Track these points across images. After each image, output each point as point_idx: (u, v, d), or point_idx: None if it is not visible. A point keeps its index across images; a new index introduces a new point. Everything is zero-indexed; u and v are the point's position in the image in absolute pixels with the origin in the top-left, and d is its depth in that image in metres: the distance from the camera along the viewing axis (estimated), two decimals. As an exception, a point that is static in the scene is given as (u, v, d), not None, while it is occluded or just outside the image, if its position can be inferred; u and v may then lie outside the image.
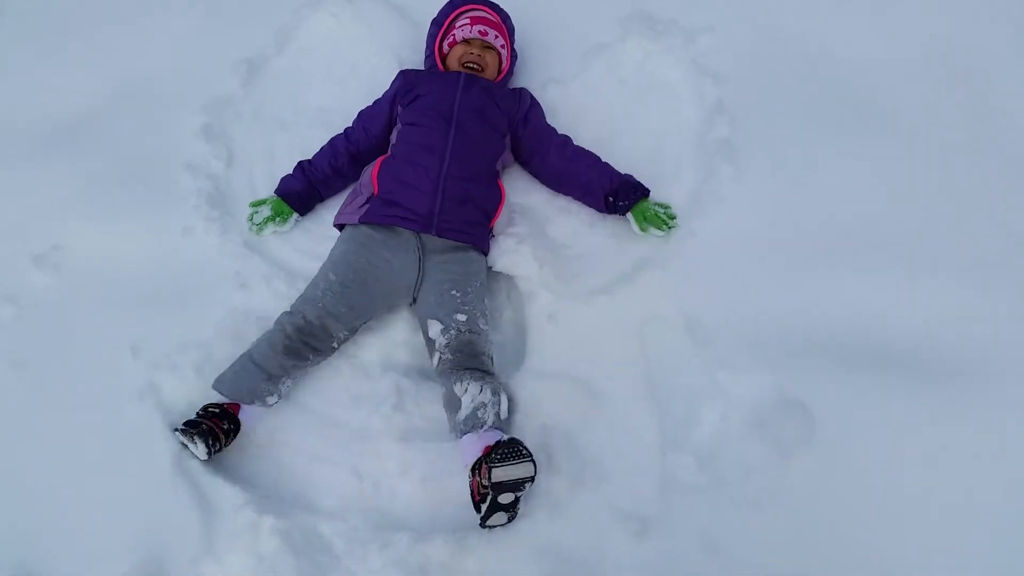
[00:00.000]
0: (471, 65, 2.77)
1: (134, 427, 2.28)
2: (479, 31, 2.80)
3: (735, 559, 2.03)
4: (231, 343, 2.41)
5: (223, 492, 2.18)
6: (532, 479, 2.00)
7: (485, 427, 2.14)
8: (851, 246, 2.49)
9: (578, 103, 2.89)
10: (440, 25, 2.88)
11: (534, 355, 2.42)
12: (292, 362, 2.29)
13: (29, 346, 2.47)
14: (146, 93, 3.06)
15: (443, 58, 2.87)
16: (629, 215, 2.60)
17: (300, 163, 2.77)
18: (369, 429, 2.31)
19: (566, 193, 2.74)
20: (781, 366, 2.26)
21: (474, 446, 2.12)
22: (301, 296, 2.41)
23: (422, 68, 2.96)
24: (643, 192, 2.62)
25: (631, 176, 2.65)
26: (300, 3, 3.21)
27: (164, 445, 2.24)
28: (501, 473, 1.96)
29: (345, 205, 2.60)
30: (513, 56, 2.93)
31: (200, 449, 2.16)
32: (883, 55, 2.91)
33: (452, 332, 2.33)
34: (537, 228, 2.63)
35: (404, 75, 2.81)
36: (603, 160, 2.68)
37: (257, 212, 2.71)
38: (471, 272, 2.46)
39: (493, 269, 2.56)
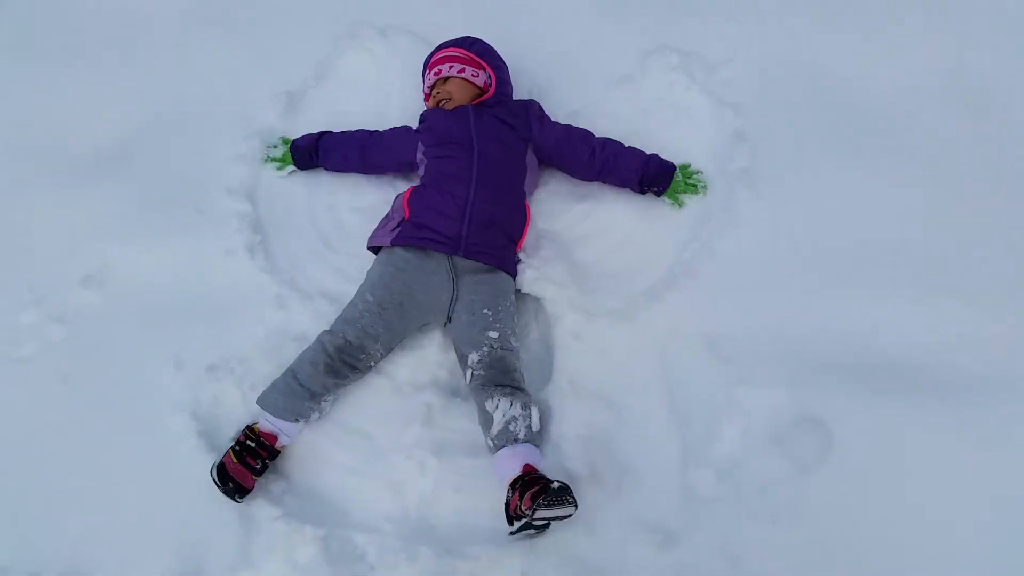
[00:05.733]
0: (442, 103, 2.87)
1: (176, 437, 2.37)
2: (434, 74, 2.92)
3: (755, 572, 2.07)
4: (269, 360, 2.50)
5: (261, 502, 2.26)
6: (569, 516, 2.07)
7: (518, 441, 2.22)
8: (867, 267, 2.53)
9: (602, 131, 2.92)
10: (423, 90, 3.01)
11: (561, 372, 2.49)
12: (333, 380, 2.39)
13: (77, 361, 2.56)
14: (188, 122, 3.15)
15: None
16: (664, 197, 2.77)
17: (323, 132, 2.98)
18: (402, 443, 2.38)
19: (602, 182, 2.85)
20: (799, 383, 2.29)
21: (509, 461, 2.21)
22: (340, 316, 2.50)
23: None
24: (671, 173, 2.77)
25: (656, 156, 2.80)
26: (336, 37, 3.29)
27: (204, 455, 2.32)
28: (547, 513, 2.03)
29: (378, 229, 2.70)
30: (497, 69, 2.95)
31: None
32: (900, 84, 2.94)
33: (485, 349, 2.41)
34: (563, 251, 2.71)
35: (423, 116, 2.91)
36: (627, 146, 2.82)
37: (275, 149, 3.01)
38: (501, 292, 2.55)
39: (522, 291, 2.64)
